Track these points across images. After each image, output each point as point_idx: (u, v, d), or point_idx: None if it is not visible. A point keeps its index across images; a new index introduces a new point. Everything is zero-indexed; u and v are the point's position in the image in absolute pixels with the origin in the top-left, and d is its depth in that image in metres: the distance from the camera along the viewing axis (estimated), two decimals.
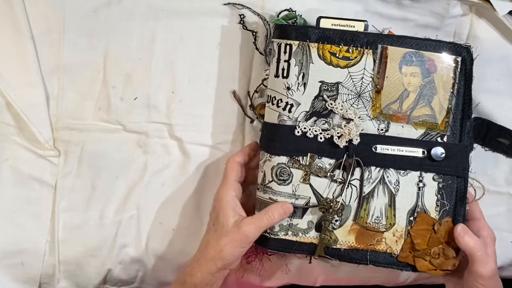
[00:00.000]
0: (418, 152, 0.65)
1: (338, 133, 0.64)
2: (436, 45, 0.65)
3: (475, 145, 0.76)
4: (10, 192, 0.73)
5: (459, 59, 0.65)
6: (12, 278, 0.74)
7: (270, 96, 0.66)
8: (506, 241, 0.79)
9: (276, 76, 0.65)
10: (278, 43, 0.65)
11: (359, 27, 0.65)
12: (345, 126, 0.64)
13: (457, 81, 0.66)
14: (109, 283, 0.78)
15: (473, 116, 0.70)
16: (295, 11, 0.70)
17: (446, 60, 0.65)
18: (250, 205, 0.69)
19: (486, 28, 0.73)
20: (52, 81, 0.71)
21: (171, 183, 0.75)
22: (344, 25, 0.65)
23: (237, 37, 0.72)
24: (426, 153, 0.65)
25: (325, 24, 0.65)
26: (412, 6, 0.72)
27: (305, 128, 0.64)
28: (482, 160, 0.77)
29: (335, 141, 0.64)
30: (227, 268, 0.65)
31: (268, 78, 0.68)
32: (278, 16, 0.70)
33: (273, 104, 0.66)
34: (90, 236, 0.74)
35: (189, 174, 0.75)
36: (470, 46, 0.66)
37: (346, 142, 0.64)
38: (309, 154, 0.65)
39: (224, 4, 0.71)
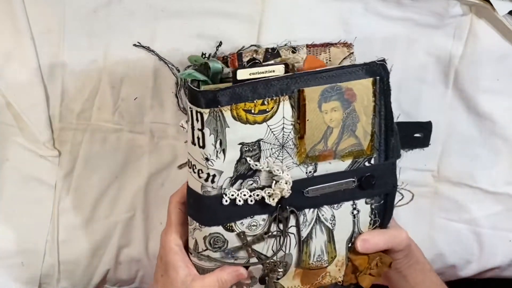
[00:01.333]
0: (348, 183, 0.63)
1: (268, 193, 0.59)
2: (352, 72, 0.60)
3: None
4: (10, 192, 0.73)
5: (377, 78, 0.61)
6: (12, 278, 0.74)
7: (191, 162, 0.60)
8: (505, 241, 0.80)
9: (193, 143, 0.58)
10: (190, 108, 0.57)
11: (278, 71, 0.60)
12: (275, 184, 0.59)
13: (377, 103, 0.62)
14: (109, 283, 0.78)
15: None
16: (205, 55, 0.66)
17: (364, 85, 0.60)
18: None
19: (486, 28, 0.73)
20: (52, 81, 0.71)
21: (171, 183, 0.75)
22: (262, 72, 0.59)
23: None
24: (356, 181, 0.63)
25: (242, 75, 0.59)
26: (412, 5, 0.72)
27: (232, 195, 0.59)
28: (481, 161, 0.77)
29: (267, 201, 0.59)
30: None
31: (183, 128, 0.61)
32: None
33: (194, 172, 0.59)
34: (90, 236, 0.74)
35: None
36: (384, 60, 0.61)
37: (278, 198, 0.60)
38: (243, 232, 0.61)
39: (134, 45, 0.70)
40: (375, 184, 0.63)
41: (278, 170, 0.59)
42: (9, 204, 0.73)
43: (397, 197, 0.67)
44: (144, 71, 0.72)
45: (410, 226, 0.78)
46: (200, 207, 0.60)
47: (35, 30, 0.69)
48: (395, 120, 0.64)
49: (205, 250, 0.61)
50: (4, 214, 0.73)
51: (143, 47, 0.69)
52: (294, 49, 0.67)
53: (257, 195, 0.59)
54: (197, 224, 0.61)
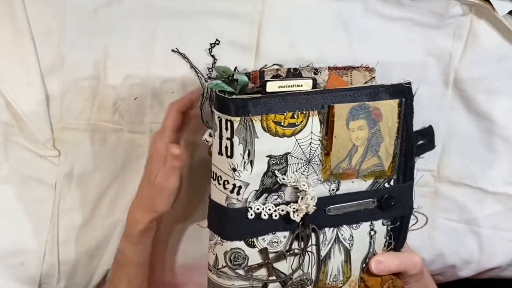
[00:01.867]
0: (368, 203, 0.63)
1: (294, 208, 0.59)
2: (379, 92, 0.60)
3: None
4: (10, 192, 0.73)
5: (403, 100, 0.61)
6: (12, 278, 0.74)
7: (215, 173, 0.58)
8: (505, 241, 0.80)
9: (220, 153, 0.57)
10: (219, 117, 0.56)
11: (307, 85, 0.60)
12: (301, 200, 0.58)
13: (401, 125, 0.62)
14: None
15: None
16: (231, 69, 0.65)
17: (391, 105, 0.61)
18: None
19: (486, 28, 0.73)
20: (52, 81, 0.71)
21: None
22: (291, 85, 0.59)
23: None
24: (376, 202, 0.63)
25: (271, 87, 0.58)
26: (412, 5, 0.72)
27: (258, 209, 0.58)
28: (481, 161, 0.77)
29: (292, 217, 0.59)
30: (166, 211, 0.68)
31: (207, 142, 0.62)
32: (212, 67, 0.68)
33: (219, 183, 0.58)
34: (90, 236, 0.74)
35: (189, 175, 0.75)
36: (410, 83, 0.62)
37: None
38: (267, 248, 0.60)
39: (173, 51, 0.71)
40: (394, 205, 0.63)
41: (304, 185, 0.59)
42: (9, 204, 0.73)
43: (412, 220, 0.67)
44: (144, 71, 0.72)
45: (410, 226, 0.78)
46: (223, 220, 0.59)
47: (35, 30, 0.69)
48: None
49: (224, 267, 0.60)
50: (4, 214, 0.73)
51: (179, 53, 0.70)
52: (316, 71, 0.67)
53: (282, 210, 0.59)
54: (219, 238, 0.59)
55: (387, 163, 0.62)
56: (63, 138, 0.73)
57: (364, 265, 0.65)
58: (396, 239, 0.66)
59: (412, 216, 0.66)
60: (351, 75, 0.69)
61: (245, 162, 0.56)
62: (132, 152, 0.74)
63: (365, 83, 0.68)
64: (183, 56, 0.70)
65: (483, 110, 0.76)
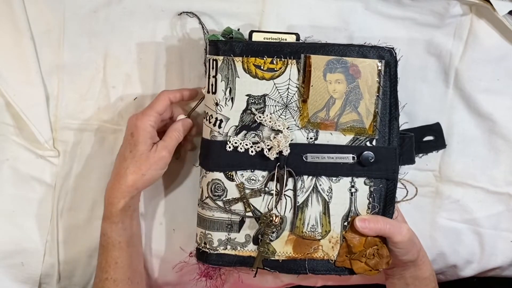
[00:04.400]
0: (348, 158, 0.66)
1: (268, 145, 0.64)
2: (359, 50, 0.65)
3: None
4: (10, 192, 0.73)
5: (383, 62, 0.65)
6: (12, 278, 0.74)
7: (205, 112, 0.66)
8: (506, 241, 0.79)
9: (208, 92, 0.66)
10: (208, 58, 0.65)
11: (290, 39, 0.66)
12: (274, 138, 0.64)
13: (382, 85, 0.66)
14: None
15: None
16: (236, 29, 0.69)
17: (370, 65, 0.65)
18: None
19: (486, 28, 0.73)
20: (52, 81, 0.71)
21: (171, 184, 0.75)
22: (276, 38, 0.66)
23: None
24: (356, 158, 0.65)
25: (257, 38, 0.66)
26: (412, 5, 0.72)
27: (235, 142, 0.64)
28: (482, 160, 0.77)
29: (266, 154, 0.64)
30: (145, 188, 0.68)
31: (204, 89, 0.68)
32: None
33: (206, 119, 0.66)
34: (90, 236, 0.74)
35: (189, 175, 0.75)
36: (393, 48, 0.66)
37: (277, 154, 0.64)
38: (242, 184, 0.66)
39: (179, 14, 0.71)
40: (373, 163, 0.65)
41: (279, 125, 0.64)
42: (9, 204, 0.73)
43: (401, 192, 0.68)
44: (144, 71, 0.72)
45: (412, 226, 0.78)
46: (207, 152, 0.66)
47: (35, 30, 0.69)
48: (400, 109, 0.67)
49: (206, 198, 0.66)
50: (4, 214, 0.73)
51: (187, 13, 0.71)
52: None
53: (258, 147, 0.65)
54: (204, 171, 0.66)
55: (368, 121, 0.66)
56: (62, 138, 0.73)
57: (346, 223, 0.66)
58: (381, 203, 0.67)
59: (401, 187, 0.68)
60: None
61: (226, 98, 0.64)
62: None
63: None
64: (192, 14, 0.71)
65: (484, 109, 0.75)
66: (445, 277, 0.82)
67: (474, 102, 0.75)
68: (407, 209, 0.78)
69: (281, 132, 0.64)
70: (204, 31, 0.70)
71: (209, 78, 0.65)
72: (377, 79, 0.65)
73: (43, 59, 0.70)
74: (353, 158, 0.65)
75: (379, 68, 0.65)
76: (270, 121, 0.64)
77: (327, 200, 0.66)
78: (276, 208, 0.65)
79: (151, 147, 0.66)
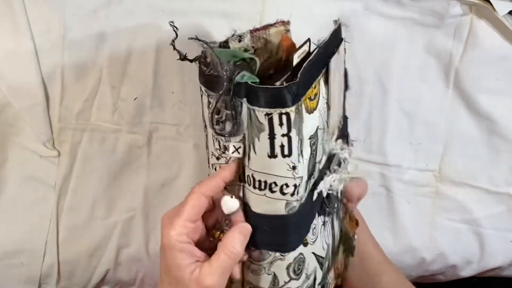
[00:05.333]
0: None
1: (343, 177, 0.55)
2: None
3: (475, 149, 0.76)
4: (9, 192, 0.73)
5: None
6: (12, 278, 0.74)
7: (265, 182, 0.48)
8: (506, 241, 0.79)
9: (272, 156, 0.47)
10: (268, 114, 0.45)
11: (306, 47, 0.52)
12: (340, 168, 0.55)
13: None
14: (108, 284, 0.78)
15: None
16: (246, 50, 0.54)
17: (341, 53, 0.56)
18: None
19: (486, 28, 0.73)
20: (52, 81, 0.71)
21: (171, 184, 0.75)
22: (302, 52, 0.50)
23: None
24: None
25: (295, 60, 0.49)
26: (412, 5, 0.72)
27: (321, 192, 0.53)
28: (482, 161, 0.77)
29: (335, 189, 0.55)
30: None
31: (237, 154, 0.49)
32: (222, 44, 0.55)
33: (272, 191, 0.49)
34: (90, 236, 0.74)
35: (189, 175, 0.75)
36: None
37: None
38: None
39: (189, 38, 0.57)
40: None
41: (343, 153, 0.55)
42: (9, 204, 0.73)
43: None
44: (144, 71, 0.72)
45: (412, 226, 0.78)
46: (283, 230, 0.51)
47: (35, 30, 0.69)
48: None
49: (288, 282, 0.53)
50: (4, 214, 0.73)
51: (197, 39, 0.54)
52: (240, 37, 0.57)
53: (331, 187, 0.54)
54: (279, 254, 0.52)
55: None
56: (62, 138, 0.73)
57: None
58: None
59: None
60: (269, 34, 0.58)
61: (299, 155, 0.48)
62: (131, 152, 0.73)
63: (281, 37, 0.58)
64: (202, 41, 0.62)
65: (484, 110, 0.75)
66: (445, 277, 0.82)
67: (474, 102, 0.75)
68: (407, 209, 0.78)
69: (345, 158, 0.54)
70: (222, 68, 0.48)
71: (273, 138, 0.46)
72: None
73: (43, 59, 0.70)
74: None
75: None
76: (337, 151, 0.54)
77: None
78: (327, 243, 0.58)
79: (192, 269, 0.49)
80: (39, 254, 0.74)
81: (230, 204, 0.50)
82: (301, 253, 0.53)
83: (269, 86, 0.45)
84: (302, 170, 0.49)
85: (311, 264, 0.55)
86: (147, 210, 0.75)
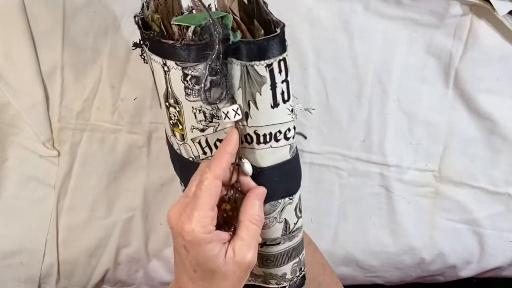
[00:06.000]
0: None
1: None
2: None
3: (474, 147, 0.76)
4: (9, 192, 0.73)
5: None
6: (12, 278, 0.74)
7: (270, 133, 0.49)
8: (506, 241, 0.79)
9: (275, 106, 0.48)
10: (269, 65, 0.46)
11: None
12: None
13: None
14: (108, 284, 0.78)
15: None
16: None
17: None
18: None
19: (486, 28, 0.73)
20: (52, 81, 0.71)
21: (171, 184, 0.75)
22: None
23: None
24: None
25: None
26: (412, 5, 0.72)
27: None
28: (482, 161, 0.77)
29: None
30: None
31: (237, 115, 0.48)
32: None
33: (277, 140, 0.49)
34: (90, 236, 0.74)
35: None
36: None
37: None
38: None
39: None
40: None
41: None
42: (9, 204, 0.73)
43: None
44: (144, 71, 0.72)
45: (411, 226, 0.78)
46: (294, 174, 0.53)
47: (35, 30, 0.69)
48: None
49: (297, 222, 0.55)
50: (4, 214, 0.73)
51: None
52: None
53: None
54: (287, 199, 0.53)
55: None
56: (62, 138, 0.73)
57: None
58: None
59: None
60: None
61: (292, 96, 0.50)
62: (131, 152, 0.73)
63: None
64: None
65: (484, 110, 0.75)
66: (445, 278, 0.82)
67: (474, 102, 0.75)
68: (407, 209, 0.78)
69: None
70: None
71: (274, 88, 0.47)
72: None
73: (43, 59, 0.70)
74: None
75: None
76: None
77: None
78: None
79: (223, 255, 0.47)
80: (38, 254, 0.74)
81: (247, 167, 0.50)
82: (299, 191, 0.55)
83: (268, 37, 0.45)
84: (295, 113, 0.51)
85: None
86: (147, 210, 0.75)
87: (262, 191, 0.50)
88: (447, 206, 0.79)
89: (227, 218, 0.50)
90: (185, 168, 0.53)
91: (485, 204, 0.78)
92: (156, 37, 0.47)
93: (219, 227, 0.48)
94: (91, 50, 0.71)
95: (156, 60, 0.47)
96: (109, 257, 0.75)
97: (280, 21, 0.47)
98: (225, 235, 0.48)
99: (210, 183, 0.46)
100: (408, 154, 0.78)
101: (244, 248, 0.47)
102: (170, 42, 0.45)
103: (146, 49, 0.48)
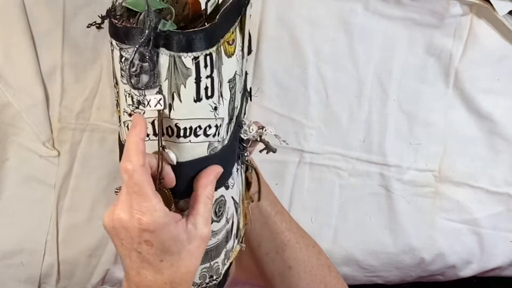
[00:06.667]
0: None
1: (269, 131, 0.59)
2: None
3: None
4: (10, 192, 0.73)
5: None
6: (12, 278, 0.74)
7: (190, 128, 0.49)
8: (506, 241, 0.79)
9: (197, 100, 0.48)
10: (195, 57, 0.47)
11: None
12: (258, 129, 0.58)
13: None
14: (108, 284, 0.78)
15: None
16: None
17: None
18: None
19: (486, 28, 0.73)
20: (52, 81, 0.71)
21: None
22: (213, 3, 0.50)
23: None
24: None
25: (209, 9, 0.49)
26: (412, 5, 0.72)
27: (246, 134, 0.57)
28: (482, 161, 0.77)
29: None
30: None
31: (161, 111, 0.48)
32: None
33: (197, 136, 0.50)
34: (90, 236, 0.74)
35: None
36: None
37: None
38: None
39: None
40: None
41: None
42: (9, 204, 0.73)
43: None
44: None
45: (411, 226, 0.78)
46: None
47: (35, 30, 0.69)
48: None
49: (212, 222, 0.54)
50: (4, 214, 0.73)
51: None
52: None
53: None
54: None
55: None
56: (62, 138, 0.73)
57: None
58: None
59: None
60: None
61: (219, 96, 0.50)
62: None
63: None
64: None
65: (484, 110, 0.75)
66: (445, 278, 0.82)
67: (474, 102, 0.75)
68: (407, 209, 0.78)
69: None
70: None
71: (198, 82, 0.48)
72: None
73: (43, 59, 0.70)
74: None
75: None
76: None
77: None
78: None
79: (183, 233, 0.48)
80: (39, 253, 0.74)
81: (171, 156, 0.50)
82: (222, 195, 0.54)
83: (196, 30, 0.46)
84: (223, 111, 0.51)
85: (231, 208, 0.56)
86: None
87: (219, 170, 0.51)
88: (447, 206, 0.79)
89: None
90: (120, 151, 0.54)
91: (485, 204, 0.78)
92: (108, 15, 0.48)
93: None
94: (91, 50, 0.71)
95: (108, 39, 0.49)
96: (109, 257, 0.75)
97: (221, 17, 0.47)
98: (177, 215, 0.49)
99: (139, 173, 0.46)
100: (408, 154, 0.78)
101: (204, 221, 0.49)
102: (114, 21, 0.47)
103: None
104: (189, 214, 0.49)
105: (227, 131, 0.53)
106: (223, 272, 0.58)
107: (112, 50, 0.49)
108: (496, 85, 0.75)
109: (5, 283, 0.74)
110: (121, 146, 0.53)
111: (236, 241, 0.60)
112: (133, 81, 0.47)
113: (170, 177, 0.50)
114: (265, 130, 0.59)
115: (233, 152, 0.56)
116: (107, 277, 0.77)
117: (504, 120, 0.76)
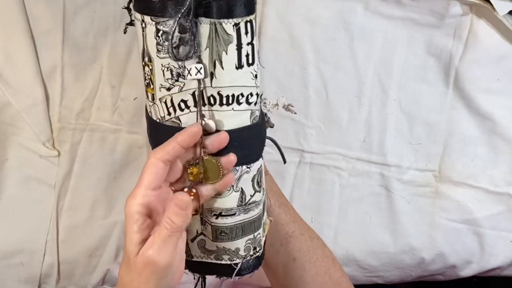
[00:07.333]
0: None
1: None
2: None
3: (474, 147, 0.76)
4: (10, 192, 0.73)
5: None
6: (12, 278, 0.74)
7: (233, 95, 0.50)
8: (506, 241, 0.79)
9: (239, 67, 0.49)
10: (236, 24, 0.47)
11: None
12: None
13: None
14: (108, 283, 0.78)
15: None
16: None
17: None
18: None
19: (486, 28, 0.73)
20: (52, 81, 0.71)
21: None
22: None
23: None
24: None
25: None
26: (412, 5, 0.72)
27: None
28: (482, 161, 0.77)
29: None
30: None
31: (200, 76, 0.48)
32: None
33: (239, 103, 0.50)
34: (90, 236, 0.74)
35: None
36: None
37: None
38: None
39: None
40: None
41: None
42: (9, 204, 0.73)
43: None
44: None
45: (411, 226, 0.78)
46: (252, 141, 0.53)
47: (35, 30, 0.69)
48: None
49: (253, 195, 0.54)
50: (4, 214, 0.73)
51: None
52: None
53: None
54: (245, 167, 0.53)
55: None
56: (62, 138, 0.73)
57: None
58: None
59: None
60: None
61: (257, 63, 0.51)
62: (131, 152, 0.73)
63: None
64: None
65: (484, 110, 0.75)
66: (445, 278, 0.82)
67: (474, 102, 0.75)
68: (407, 209, 0.78)
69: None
70: None
71: (240, 49, 0.48)
72: None
73: (43, 59, 0.70)
74: None
75: None
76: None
77: None
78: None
79: (140, 245, 0.46)
80: (39, 254, 0.74)
81: (210, 123, 0.50)
82: (261, 165, 0.55)
83: None
84: (259, 79, 0.52)
85: (263, 178, 0.56)
86: None
87: (183, 198, 0.46)
88: (447, 206, 0.79)
89: (193, 180, 0.51)
90: (153, 130, 0.54)
91: (485, 204, 0.78)
92: None
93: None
94: (91, 50, 0.71)
95: (138, 18, 0.48)
96: (109, 257, 0.75)
97: None
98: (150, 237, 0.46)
99: (151, 163, 0.47)
100: (408, 154, 0.78)
101: (150, 245, 0.45)
102: None
103: (132, 10, 0.49)
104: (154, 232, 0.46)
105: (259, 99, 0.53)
106: (263, 244, 0.57)
107: (144, 28, 0.48)
108: (496, 85, 0.75)
109: (5, 283, 0.74)
110: (153, 123, 0.52)
111: (266, 213, 0.59)
112: (172, 53, 0.47)
113: (213, 144, 0.50)
114: (279, 101, 0.58)
115: (263, 121, 0.56)
116: (107, 277, 0.77)
117: (504, 120, 0.76)
